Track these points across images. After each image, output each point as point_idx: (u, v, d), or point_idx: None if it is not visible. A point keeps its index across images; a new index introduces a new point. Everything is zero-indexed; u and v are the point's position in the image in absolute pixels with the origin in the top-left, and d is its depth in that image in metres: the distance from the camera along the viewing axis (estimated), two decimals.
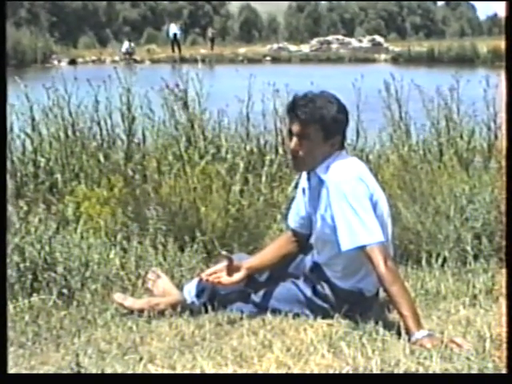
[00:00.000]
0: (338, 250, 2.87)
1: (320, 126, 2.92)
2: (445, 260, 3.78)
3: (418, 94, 5.31)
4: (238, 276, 3.08)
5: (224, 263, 3.09)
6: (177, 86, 5.04)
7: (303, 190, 3.16)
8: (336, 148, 2.97)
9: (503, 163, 4.39)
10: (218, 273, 3.08)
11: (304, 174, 3.13)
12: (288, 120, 3.07)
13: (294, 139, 2.98)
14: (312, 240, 3.13)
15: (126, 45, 33.19)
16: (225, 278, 3.07)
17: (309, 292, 3.08)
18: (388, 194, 4.11)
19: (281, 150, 4.95)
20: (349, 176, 2.88)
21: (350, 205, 2.82)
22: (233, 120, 5.20)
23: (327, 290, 3.04)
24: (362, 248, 2.81)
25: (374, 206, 2.89)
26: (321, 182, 2.97)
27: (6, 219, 2.37)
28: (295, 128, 2.97)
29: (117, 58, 31.39)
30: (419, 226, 4.00)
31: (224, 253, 3.17)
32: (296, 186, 4.41)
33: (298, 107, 2.95)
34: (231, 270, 3.08)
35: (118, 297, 3.28)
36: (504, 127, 2.53)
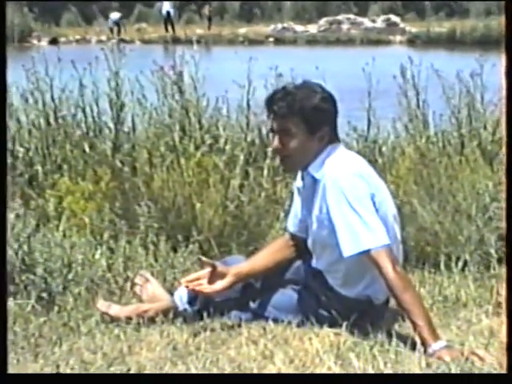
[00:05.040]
0: (339, 254, 2.87)
1: (300, 119, 2.93)
2: (466, 264, 3.79)
3: (438, 80, 5.31)
4: (221, 284, 3.04)
5: (207, 269, 3.06)
6: (172, 68, 5.04)
7: (298, 189, 3.17)
8: (327, 142, 2.98)
9: None
10: (200, 279, 3.06)
11: (299, 173, 3.14)
12: (268, 117, 3.09)
13: (276, 137, 3.00)
14: (309, 244, 3.13)
15: (114, 16, 33.02)
16: (207, 286, 3.04)
17: (312, 301, 3.08)
18: (403, 191, 4.14)
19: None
20: (346, 172, 2.88)
21: (350, 204, 2.82)
22: (232, 107, 5.20)
23: (332, 300, 3.04)
24: (367, 253, 2.81)
25: (378, 206, 2.88)
26: (314, 181, 2.97)
27: (5, 219, 2.42)
28: (275, 125, 2.99)
29: (104, 38, 31.34)
30: (437, 226, 4.01)
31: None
32: None
33: (275, 101, 2.97)
34: (215, 276, 3.05)
35: (101, 305, 3.27)
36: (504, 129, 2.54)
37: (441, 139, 5.19)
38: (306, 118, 2.92)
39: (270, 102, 3.00)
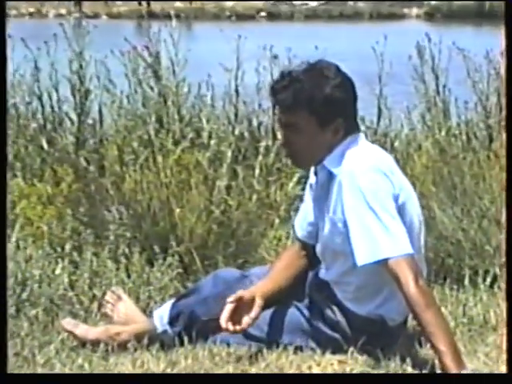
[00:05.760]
0: (353, 264, 2.89)
1: (309, 112, 2.94)
2: (495, 279, 3.80)
3: (461, 61, 5.33)
4: (256, 310, 3.05)
5: (233, 303, 3.05)
6: (146, 48, 5.05)
7: (310, 186, 3.18)
8: (343, 133, 3.00)
9: None
10: (232, 315, 3.03)
11: (312, 168, 3.16)
12: (273, 107, 3.10)
13: (282, 131, 3.04)
14: (318, 251, 3.15)
15: None
16: (244, 320, 3.04)
17: (315, 319, 3.10)
18: (419, 192, 4.14)
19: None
20: (366, 167, 2.90)
21: (368, 204, 2.84)
22: (217, 95, 5.21)
23: (339, 317, 3.07)
24: (385, 262, 2.83)
25: (401, 210, 2.90)
26: (331, 176, 2.99)
27: (5, 219, 2.52)
28: (280, 117, 3.03)
29: (63, 11, 31.29)
30: (460, 233, 4.03)
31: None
32: (299, 182, 4.44)
33: (278, 90, 2.99)
34: (245, 305, 3.06)
35: (66, 323, 3.28)
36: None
37: (464, 131, 5.21)
38: (315, 110, 2.93)
39: (274, 90, 3.02)
